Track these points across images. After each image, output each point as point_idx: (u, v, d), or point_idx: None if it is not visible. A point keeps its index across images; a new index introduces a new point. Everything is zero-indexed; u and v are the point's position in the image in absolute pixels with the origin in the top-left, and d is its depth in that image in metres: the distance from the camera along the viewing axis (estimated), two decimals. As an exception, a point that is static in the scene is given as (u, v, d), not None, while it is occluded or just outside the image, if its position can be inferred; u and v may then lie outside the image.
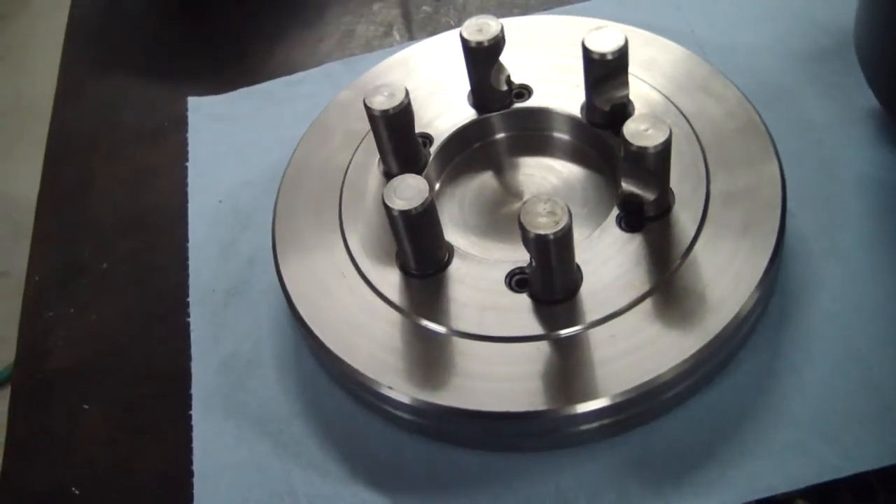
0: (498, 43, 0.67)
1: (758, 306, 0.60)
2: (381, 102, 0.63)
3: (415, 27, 0.88)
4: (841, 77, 0.76)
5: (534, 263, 0.59)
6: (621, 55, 0.64)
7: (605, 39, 0.64)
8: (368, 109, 0.63)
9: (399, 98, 0.63)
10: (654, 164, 0.59)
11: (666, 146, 0.58)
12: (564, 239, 0.56)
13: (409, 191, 0.58)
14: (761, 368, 0.62)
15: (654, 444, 0.60)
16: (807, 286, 0.65)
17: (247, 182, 0.78)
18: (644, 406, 0.58)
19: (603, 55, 0.64)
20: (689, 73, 0.72)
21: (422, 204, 0.57)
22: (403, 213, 0.57)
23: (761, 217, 0.63)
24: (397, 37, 0.87)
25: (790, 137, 0.70)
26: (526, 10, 0.87)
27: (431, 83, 0.74)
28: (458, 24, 0.85)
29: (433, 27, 0.87)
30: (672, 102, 0.70)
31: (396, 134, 0.65)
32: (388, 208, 0.57)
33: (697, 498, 0.58)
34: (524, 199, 0.65)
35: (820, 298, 0.65)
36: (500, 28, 0.66)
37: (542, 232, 0.54)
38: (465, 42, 0.67)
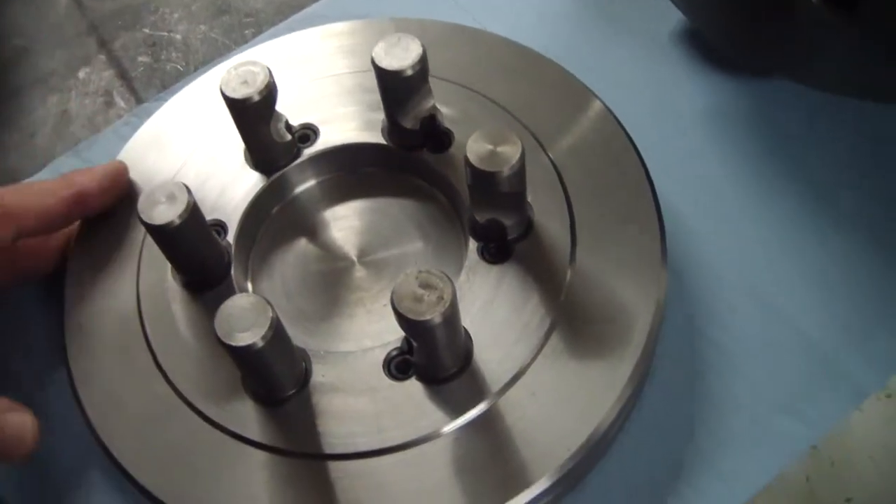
0: (271, 92, 0.54)
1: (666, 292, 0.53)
2: (164, 214, 0.49)
3: (139, 86, 0.73)
4: (627, 7, 0.69)
5: (416, 346, 0.48)
6: (422, 66, 0.53)
7: (399, 52, 0.53)
8: (149, 226, 0.50)
9: (183, 201, 0.50)
10: (511, 186, 0.50)
11: (521, 164, 0.49)
12: (453, 314, 0.45)
13: (246, 317, 0.45)
14: (685, 358, 0.56)
15: (611, 483, 0.52)
16: (695, 252, 0.59)
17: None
18: (594, 454, 0.50)
19: (402, 71, 0.53)
20: (479, 52, 0.63)
21: (269, 329, 0.45)
22: (247, 349, 0.45)
23: (630, 194, 0.56)
24: (122, 104, 0.72)
25: (611, 90, 0.62)
26: (258, 27, 0.74)
27: (196, 156, 0.60)
28: (188, 66, 0.72)
29: (161, 77, 0.73)
30: (481, 94, 0.60)
31: (190, 244, 0.52)
32: (228, 347, 0.45)
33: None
34: (357, 258, 0.57)
35: (712, 261, 0.59)
36: (267, 74, 0.54)
37: (427, 317, 0.44)
38: (229, 101, 0.54)
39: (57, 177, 0.63)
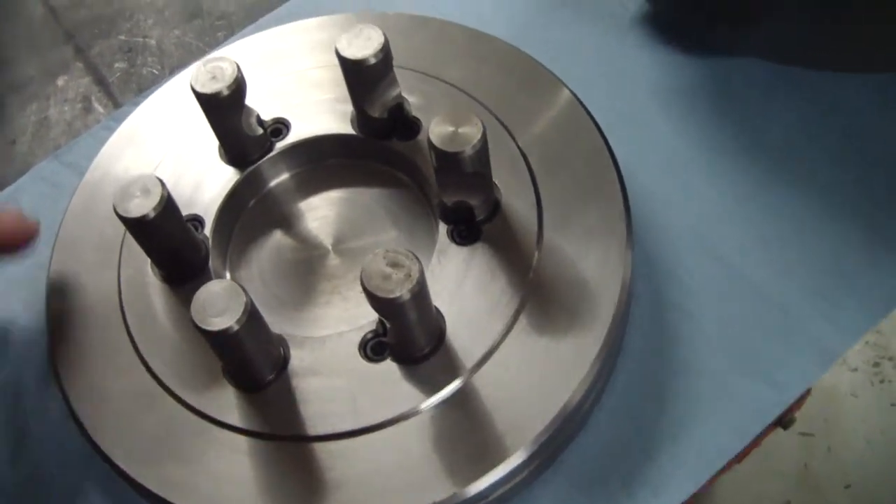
0: (240, 87, 0.55)
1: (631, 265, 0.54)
2: (139, 207, 0.51)
3: (116, 91, 0.75)
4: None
5: (389, 326, 0.49)
6: (385, 55, 0.54)
7: (361, 42, 0.54)
8: (126, 220, 0.51)
9: (157, 194, 0.51)
10: (475, 166, 0.51)
11: (483, 143, 0.50)
12: (422, 291, 0.46)
13: (219, 301, 0.46)
14: (653, 330, 0.57)
15: (589, 455, 0.54)
16: (658, 222, 0.60)
17: None
18: (569, 428, 0.51)
19: (364, 60, 0.54)
20: (443, 41, 0.64)
21: (243, 313, 0.46)
22: (222, 333, 0.46)
23: (594, 172, 0.57)
24: (100, 108, 0.74)
25: (573, 71, 0.63)
26: (230, 29, 0.75)
27: (171, 154, 0.61)
28: (163, 69, 0.73)
29: (137, 82, 0.75)
30: (446, 82, 0.61)
31: (167, 236, 0.53)
32: (204, 332, 0.46)
33: (658, 499, 0.52)
34: (331, 247, 0.58)
35: (675, 230, 0.60)
36: (235, 69, 0.55)
37: (396, 294, 0.45)
38: (200, 96, 0.55)
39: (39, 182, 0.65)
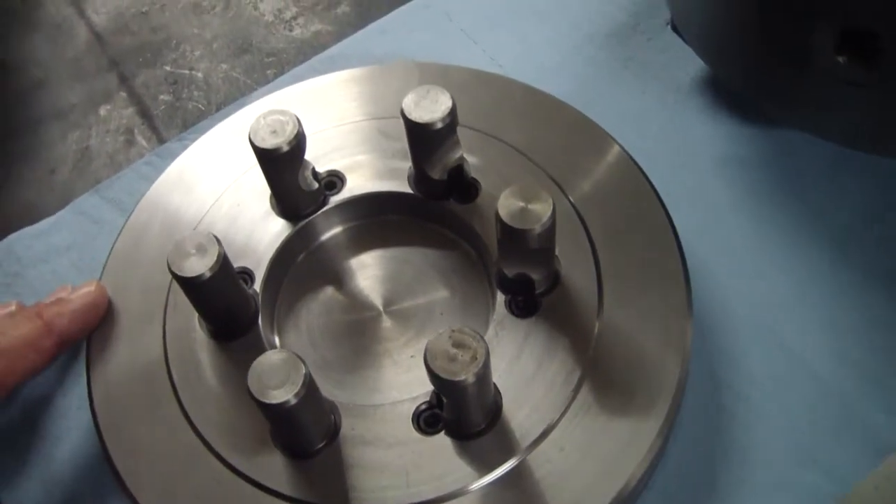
0: (300, 143, 0.54)
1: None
2: (194, 266, 0.50)
3: (160, 124, 0.73)
4: (648, 53, 0.70)
5: (447, 402, 0.48)
6: (452, 119, 0.53)
7: (428, 104, 0.53)
8: (180, 278, 0.50)
9: (213, 253, 0.50)
10: (542, 243, 0.50)
11: (552, 221, 0.49)
12: (486, 373, 0.45)
13: (277, 374, 0.45)
14: (708, 409, 0.56)
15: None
16: (717, 301, 0.59)
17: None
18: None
19: (431, 124, 0.53)
20: (502, 99, 0.63)
21: (302, 386, 0.45)
22: (281, 405, 0.45)
23: (654, 242, 0.56)
24: (143, 143, 0.72)
25: (632, 136, 0.62)
26: (280, 67, 0.74)
27: (221, 201, 0.60)
28: (209, 105, 0.72)
29: (182, 116, 0.73)
30: (505, 143, 0.60)
31: (219, 294, 0.52)
32: (263, 406, 0.45)
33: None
34: (382, 307, 0.57)
35: (733, 309, 0.59)
36: (296, 123, 0.54)
37: (461, 378, 0.44)
38: (258, 151, 0.54)
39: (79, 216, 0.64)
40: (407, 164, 0.59)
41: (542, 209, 0.49)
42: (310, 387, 0.45)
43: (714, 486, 0.53)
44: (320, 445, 0.50)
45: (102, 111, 0.75)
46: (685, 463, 0.54)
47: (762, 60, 0.58)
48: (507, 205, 0.49)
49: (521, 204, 0.49)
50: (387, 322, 0.57)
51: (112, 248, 0.60)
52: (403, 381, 0.54)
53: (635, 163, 0.59)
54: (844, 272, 0.59)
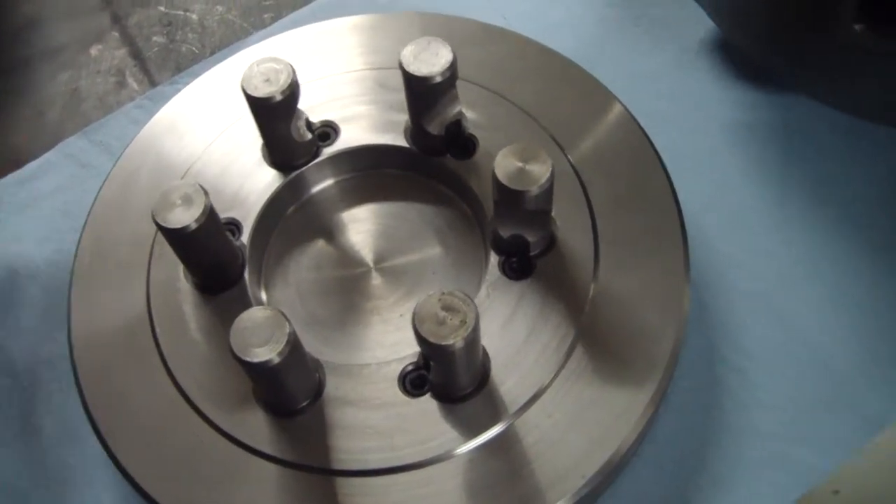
0: (294, 92, 0.53)
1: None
2: (179, 217, 0.48)
3: (152, 67, 0.71)
4: (658, 14, 0.67)
5: (434, 366, 0.47)
6: (452, 73, 0.51)
7: (428, 56, 0.51)
8: (165, 229, 0.48)
9: (199, 204, 0.48)
10: (539, 204, 0.48)
11: (550, 183, 0.47)
12: (475, 338, 0.44)
13: (261, 332, 0.44)
14: (702, 380, 0.54)
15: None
16: (718, 271, 0.57)
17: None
18: (609, 480, 0.49)
19: (430, 78, 0.51)
20: (506, 54, 0.61)
21: (286, 345, 0.44)
22: (264, 363, 0.43)
23: (654, 206, 0.54)
24: (134, 85, 0.70)
25: (637, 97, 0.60)
26: (278, 11, 0.72)
27: (212, 149, 0.59)
28: (203, 48, 0.70)
29: (175, 60, 0.71)
30: (506, 99, 0.58)
31: (205, 246, 0.50)
32: (245, 363, 0.44)
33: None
34: (373, 264, 0.56)
35: (733, 279, 0.58)
36: (291, 72, 0.52)
37: (449, 342, 0.43)
38: (251, 99, 0.52)
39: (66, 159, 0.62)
40: (404, 118, 0.57)
41: (541, 170, 0.47)
42: (294, 346, 0.44)
43: (704, 458, 0.53)
44: (304, 404, 0.49)
45: (94, 51, 0.72)
46: (676, 433, 0.53)
47: (778, 26, 0.56)
48: (504, 164, 0.47)
49: (519, 164, 0.47)
50: (377, 279, 0.56)
51: (98, 193, 0.58)
52: (391, 340, 0.53)
53: (637, 123, 0.57)
54: (849, 247, 0.58)
